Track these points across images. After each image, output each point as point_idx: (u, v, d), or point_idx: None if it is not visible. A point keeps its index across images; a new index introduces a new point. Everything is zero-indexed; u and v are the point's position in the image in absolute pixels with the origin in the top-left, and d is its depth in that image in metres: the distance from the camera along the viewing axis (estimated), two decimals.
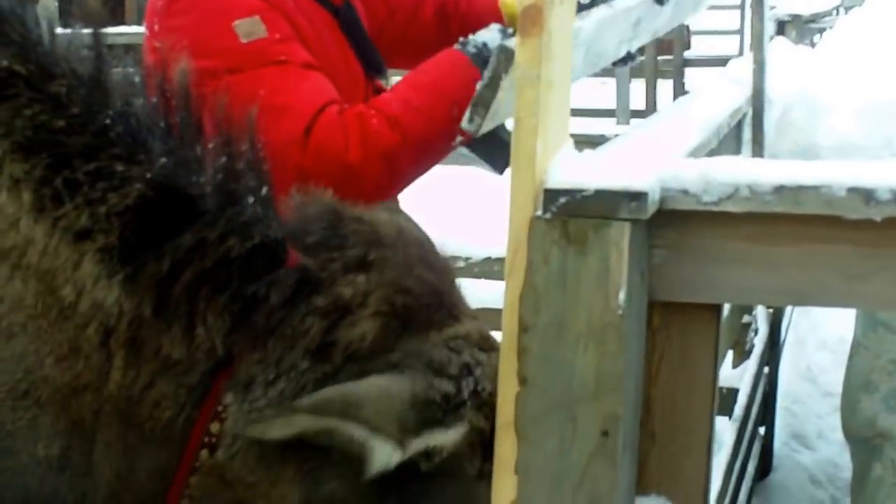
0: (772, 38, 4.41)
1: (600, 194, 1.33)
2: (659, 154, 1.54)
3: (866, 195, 1.35)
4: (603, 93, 14.21)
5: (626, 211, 1.33)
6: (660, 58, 13.10)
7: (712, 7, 22.46)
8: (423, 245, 1.82)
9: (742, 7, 20.40)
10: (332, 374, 1.64)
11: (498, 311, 1.39)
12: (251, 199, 1.70)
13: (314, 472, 1.63)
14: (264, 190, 1.72)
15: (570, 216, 1.33)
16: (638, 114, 12.47)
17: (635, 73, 12.41)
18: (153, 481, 1.67)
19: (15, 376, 1.61)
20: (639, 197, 1.33)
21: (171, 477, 1.66)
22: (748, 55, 3.24)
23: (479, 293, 2.43)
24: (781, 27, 5.93)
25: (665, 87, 13.18)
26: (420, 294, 1.70)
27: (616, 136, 4.09)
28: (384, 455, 1.56)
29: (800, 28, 6.34)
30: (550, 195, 1.34)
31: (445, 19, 2.79)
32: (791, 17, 6.09)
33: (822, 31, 7.67)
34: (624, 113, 12.22)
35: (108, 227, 1.63)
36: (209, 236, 1.63)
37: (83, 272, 1.62)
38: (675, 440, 1.46)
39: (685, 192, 1.39)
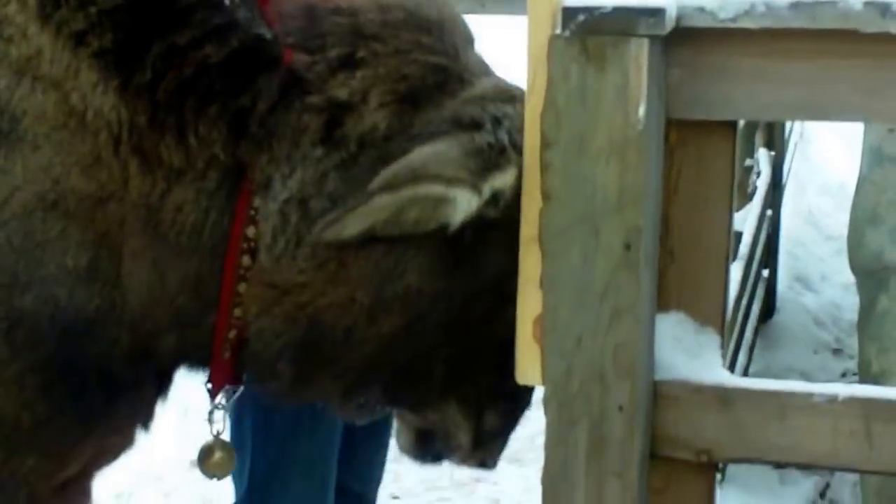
0: None
1: (618, 11, 1.34)
2: None
3: (883, 8, 1.36)
4: None
5: (645, 27, 1.34)
6: None
7: None
8: (414, 13, 1.75)
9: None
10: (349, 160, 1.65)
11: None
12: (229, 2, 1.67)
13: (383, 269, 1.66)
14: None
15: (588, 33, 1.34)
16: None
17: None
18: (186, 294, 1.69)
19: (44, 187, 1.61)
20: (656, 13, 1.34)
21: (209, 291, 1.68)
22: None
23: None
24: None
25: None
26: (422, 76, 1.69)
27: None
28: (465, 201, 1.59)
29: None
30: (569, 13, 1.34)
31: None
32: None
33: None
34: None
35: (100, 30, 1.62)
36: (179, 41, 1.62)
37: (84, 79, 1.62)
38: (693, 256, 1.50)
39: (702, 9, 1.40)
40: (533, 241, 1.39)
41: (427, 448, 1.98)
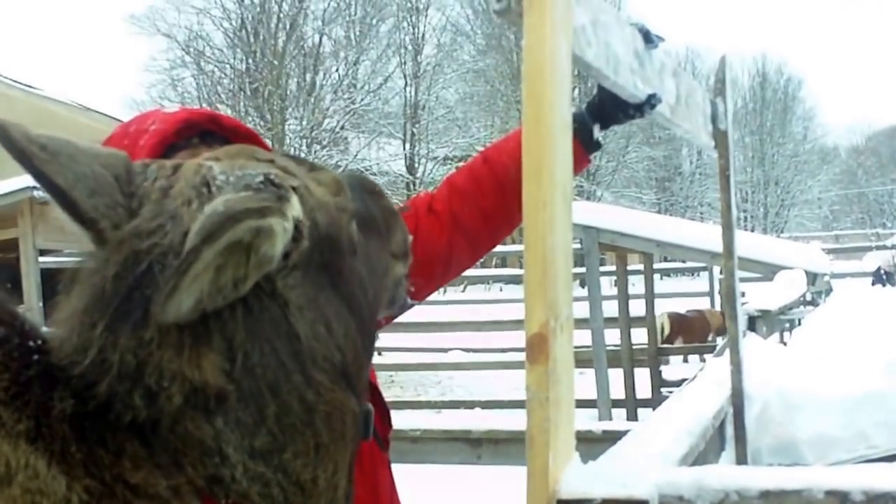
0: (744, 333, 4.68)
1: (607, 503, 1.50)
2: (655, 462, 1.72)
3: (842, 497, 1.53)
4: (582, 382, 14.45)
5: None
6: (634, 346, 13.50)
7: (683, 294, 23.17)
8: None
9: (711, 295, 21.16)
10: None
11: None
12: None
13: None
14: None
15: None
16: (618, 403, 12.68)
17: (612, 363, 12.72)
18: None
19: None
20: None
21: None
22: (724, 353, 3.46)
23: None
24: (752, 322, 6.25)
25: (642, 374, 13.47)
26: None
27: (602, 431, 4.29)
28: (281, 228, 1.46)
29: (769, 322, 6.68)
30: None
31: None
32: (761, 312, 6.44)
33: (790, 321, 8.04)
34: (605, 404, 12.35)
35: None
36: None
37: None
38: None
39: (680, 499, 1.57)
40: None
41: None
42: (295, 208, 1.55)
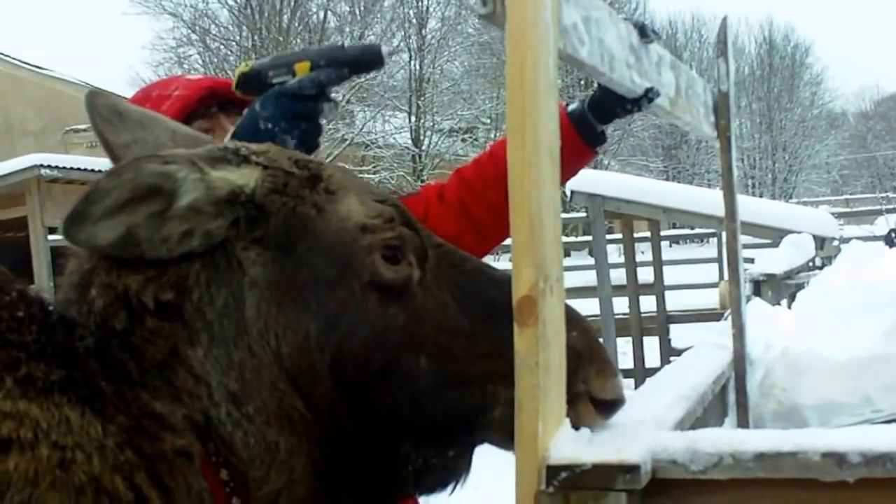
0: (749, 298, 4.64)
1: (597, 468, 1.48)
2: (649, 427, 1.69)
3: (839, 459, 1.49)
4: None
5: (622, 482, 1.47)
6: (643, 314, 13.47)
7: (691, 261, 23.15)
8: None
9: (720, 261, 21.07)
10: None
11: None
12: None
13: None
14: None
15: (571, 489, 1.47)
16: (627, 373, 12.66)
17: (620, 332, 12.70)
18: None
19: None
20: (632, 469, 1.48)
21: None
22: (729, 318, 3.42)
23: None
24: (758, 287, 6.20)
25: (650, 343, 13.45)
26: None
27: None
28: (186, 180, 1.61)
29: (775, 287, 6.62)
30: (552, 471, 1.48)
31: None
32: (766, 276, 6.38)
33: (798, 286, 7.98)
34: None
35: None
36: None
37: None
38: None
39: (674, 463, 1.54)
40: None
41: None
42: (237, 174, 1.66)
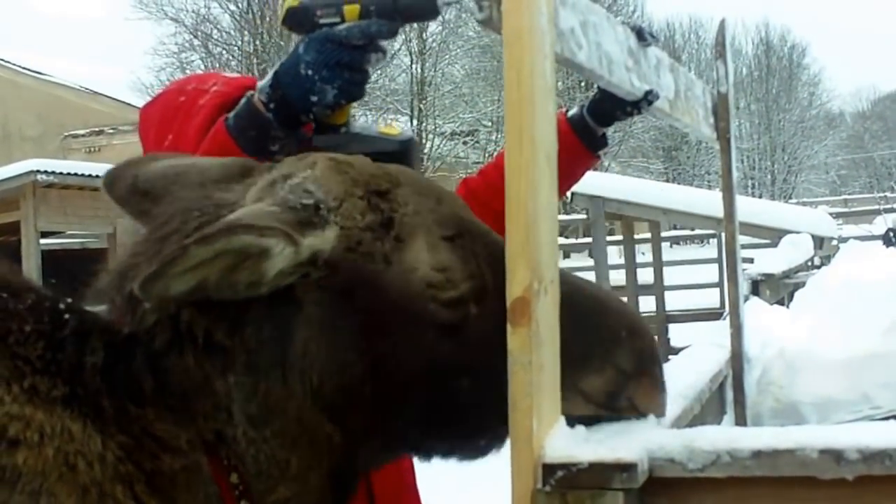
0: (747, 298, 4.64)
1: (594, 467, 1.47)
2: (646, 425, 1.68)
3: (837, 456, 1.49)
4: None
5: (619, 481, 1.46)
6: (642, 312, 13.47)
7: (692, 262, 23.14)
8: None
9: (720, 262, 21.07)
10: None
11: None
12: None
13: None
14: None
15: (567, 488, 1.47)
16: None
17: None
18: None
19: None
20: (629, 468, 1.47)
21: None
22: (727, 317, 3.43)
23: None
24: (756, 287, 6.20)
25: None
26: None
27: None
28: (279, 253, 1.58)
29: (773, 286, 6.62)
30: (548, 469, 1.47)
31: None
32: (764, 276, 6.38)
33: (796, 285, 7.97)
34: None
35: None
36: None
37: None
38: None
39: (671, 461, 1.53)
40: None
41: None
42: (321, 239, 1.65)
